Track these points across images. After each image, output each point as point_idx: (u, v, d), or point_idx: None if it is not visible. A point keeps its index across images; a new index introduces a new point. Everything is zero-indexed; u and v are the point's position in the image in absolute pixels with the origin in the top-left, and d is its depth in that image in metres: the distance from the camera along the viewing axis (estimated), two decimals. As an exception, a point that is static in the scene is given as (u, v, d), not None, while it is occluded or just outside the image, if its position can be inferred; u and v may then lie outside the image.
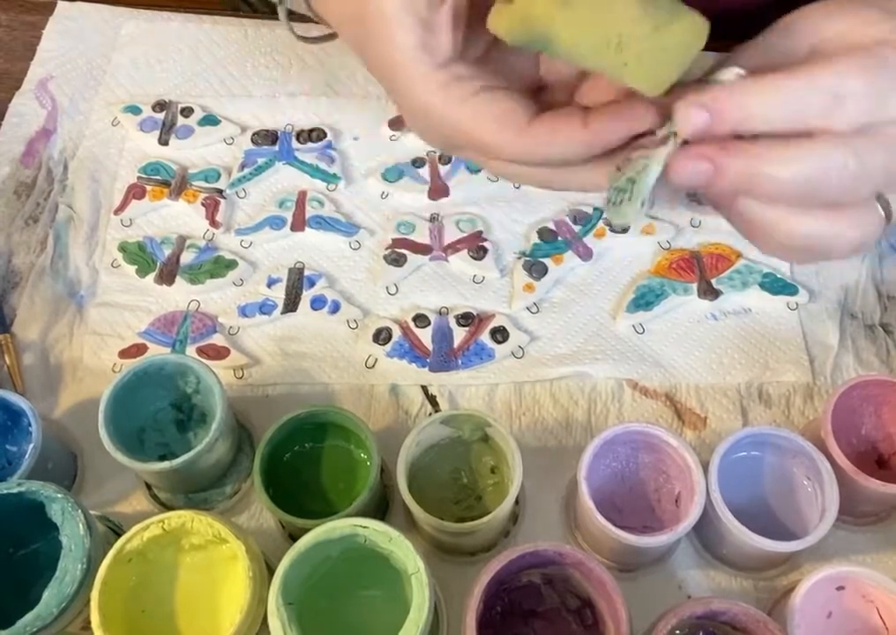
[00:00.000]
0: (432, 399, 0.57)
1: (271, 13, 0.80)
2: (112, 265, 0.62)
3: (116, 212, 0.64)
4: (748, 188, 0.37)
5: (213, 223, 0.63)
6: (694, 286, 0.60)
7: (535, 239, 0.62)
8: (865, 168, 0.37)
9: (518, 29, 0.38)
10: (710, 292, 0.60)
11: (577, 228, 0.63)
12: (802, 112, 0.36)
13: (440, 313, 0.60)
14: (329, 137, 0.67)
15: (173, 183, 0.65)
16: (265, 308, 0.60)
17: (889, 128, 0.37)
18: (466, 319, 0.59)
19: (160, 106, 0.68)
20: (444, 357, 0.57)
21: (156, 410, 0.53)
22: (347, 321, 0.59)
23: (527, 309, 0.60)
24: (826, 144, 0.36)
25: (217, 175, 0.65)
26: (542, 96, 0.44)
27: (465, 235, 0.63)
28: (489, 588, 0.43)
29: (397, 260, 0.61)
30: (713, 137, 0.37)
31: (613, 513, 0.47)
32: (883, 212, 0.39)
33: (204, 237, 0.63)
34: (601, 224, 0.63)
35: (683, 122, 0.37)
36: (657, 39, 0.37)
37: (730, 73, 0.38)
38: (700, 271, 0.61)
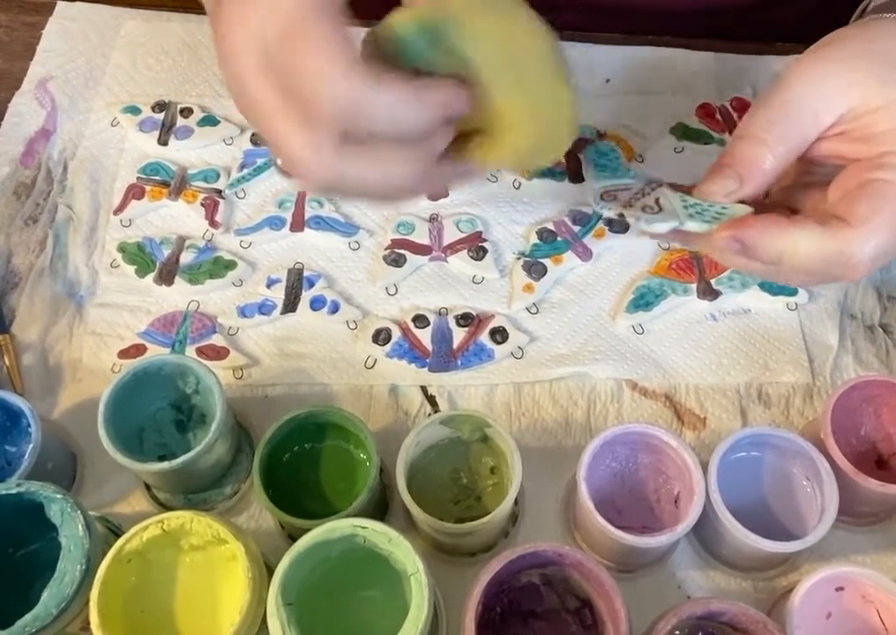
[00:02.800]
0: (431, 400, 0.57)
1: None
2: (111, 266, 0.62)
3: (116, 212, 0.64)
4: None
5: (213, 223, 0.63)
6: (694, 286, 0.60)
7: (535, 239, 0.62)
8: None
9: (421, 17, 0.39)
10: (709, 292, 0.60)
11: (576, 229, 0.63)
12: (828, 265, 0.42)
13: (440, 313, 0.60)
14: (328, 137, 0.67)
15: (172, 183, 0.65)
16: (264, 308, 0.60)
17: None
18: (465, 320, 0.59)
19: (160, 106, 0.68)
20: (444, 358, 0.57)
21: (156, 410, 0.53)
22: (347, 321, 0.59)
23: (527, 309, 0.60)
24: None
25: (216, 175, 0.65)
26: None
27: (464, 235, 0.63)
28: (489, 589, 0.43)
29: (396, 260, 0.61)
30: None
31: (612, 514, 0.47)
32: None
33: (203, 237, 0.63)
34: (600, 224, 0.63)
35: (721, 252, 0.44)
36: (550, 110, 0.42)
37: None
38: (700, 271, 0.61)
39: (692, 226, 0.43)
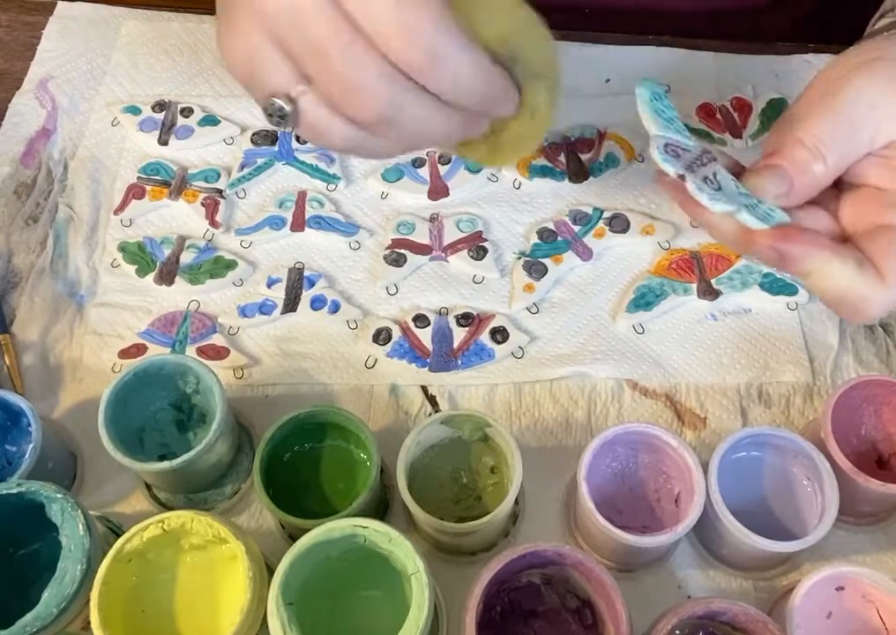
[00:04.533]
0: (432, 400, 0.57)
1: None
2: (112, 265, 0.62)
3: (116, 212, 0.64)
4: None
5: (213, 223, 0.63)
6: (694, 286, 0.60)
7: (535, 239, 0.62)
8: None
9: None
10: (710, 292, 0.60)
11: (577, 228, 0.63)
12: (843, 305, 0.42)
13: (440, 313, 0.60)
14: (329, 137, 0.67)
15: (173, 183, 0.65)
16: (264, 308, 0.60)
17: None
18: (465, 319, 0.59)
19: (160, 106, 0.68)
20: (444, 357, 0.57)
21: (156, 410, 0.53)
22: (347, 321, 0.59)
23: (527, 309, 0.60)
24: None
25: (217, 175, 0.65)
26: None
27: (465, 235, 0.63)
28: (489, 588, 0.43)
29: (397, 260, 0.61)
30: None
31: (613, 513, 0.48)
32: None
33: (203, 237, 0.63)
34: (601, 224, 0.63)
35: (760, 252, 0.42)
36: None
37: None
38: (700, 271, 0.61)
39: (745, 218, 0.41)
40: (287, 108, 0.40)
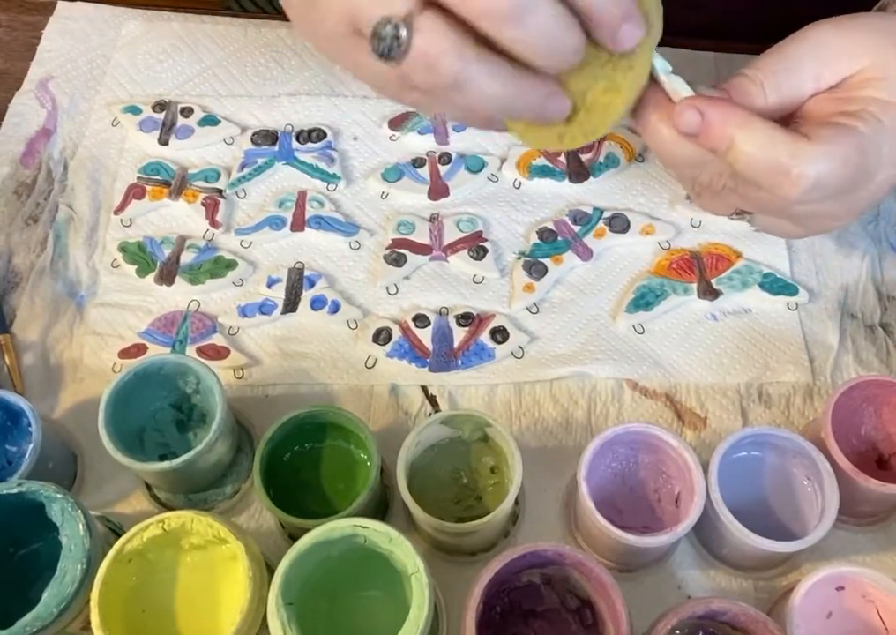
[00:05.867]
0: (432, 400, 0.57)
1: (262, 12, 0.80)
2: (112, 265, 0.62)
3: (116, 212, 0.64)
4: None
5: (213, 223, 0.63)
6: (694, 286, 0.60)
7: (535, 239, 0.62)
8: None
9: None
10: (710, 292, 0.60)
11: (577, 228, 0.63)
12: (770, 170, 0.41)
13: (440, 313, 0.60)
14: (329, 137, 0.67)
15: (173, 183, 0.65)
16: (264, 308, 0.60)
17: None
18: (466, 319, 0.59)
19: (160, 106, 0.68)
20: (444, 357, 0.57)
21: (156, 410, 0.53)
22: (347, 321, 0.59)
23: (527, 309, 0.60)
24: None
25: (217, 175, 0.65)
26: None
27: (465, 235, 0.63)
28: (489, 588, 0.43)
29: (397, 260, 0.61)
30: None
31: (613, 513, 0.47)
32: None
33: (204, 237, 0.63)
34: (601, 224, 0.63)
35: (678, 114, 0.41)
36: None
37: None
38: (700, 271, 0.61)
39: (678, 82, 0.41)
40: (402, 32, 0.37)
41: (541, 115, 0.41)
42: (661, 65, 0.42)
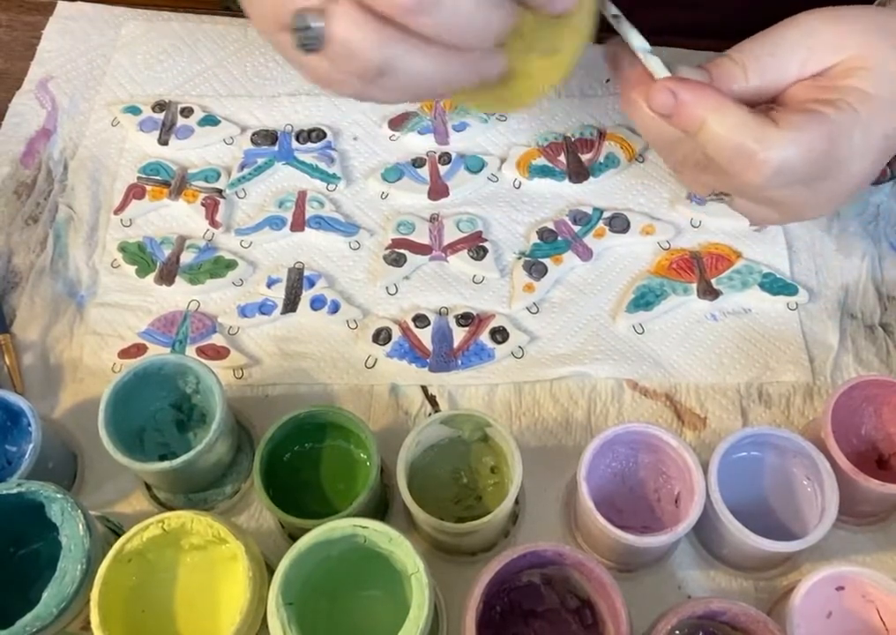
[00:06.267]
0: (432, 400, 0.57)
1: None
2: (112, 265, 0.62)
3: (116, 212, 0.64)
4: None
5: (213, 223, 0.63)
6: (694, 286, 0.60)
7: (535, 239, 0.62)
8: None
9: None
10: (710, 292, 0.60)
11: (577, 228, 0.63)
12: (737, 154, 0.41)
13: (440, 313, 0.60)
14: (329, 137, 0.67)
15: (172, 183, 0.65)
16: (264, 308, 0.60)
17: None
18: (465, 319, 0.59)
19: (160, 106, 0.68)
20: (444, 357, 0.57)
21: (156, 410, 0.53)
22: (347, 321, 0.59)
23: (527, 309, 0.60)
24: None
25: (217, 175, 0.65)
26: None
27: (465, 235, 0.63)
28: (489, 588, 0.43)
29: (397, 260, 0.61)
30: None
31: (613, 513, 0.47)
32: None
33: (203, 237, 0.63)
34: (601, 224, 0.63)
35: (654, 97, 0.42)
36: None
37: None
38: (700, 271, 0.61)
39: (654, 62, 0.43)
40: (317, 23, 0.37)
41: (476, 81, 0.41)
42: (640, 44, 0.43)
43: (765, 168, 0.41)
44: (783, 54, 0.43)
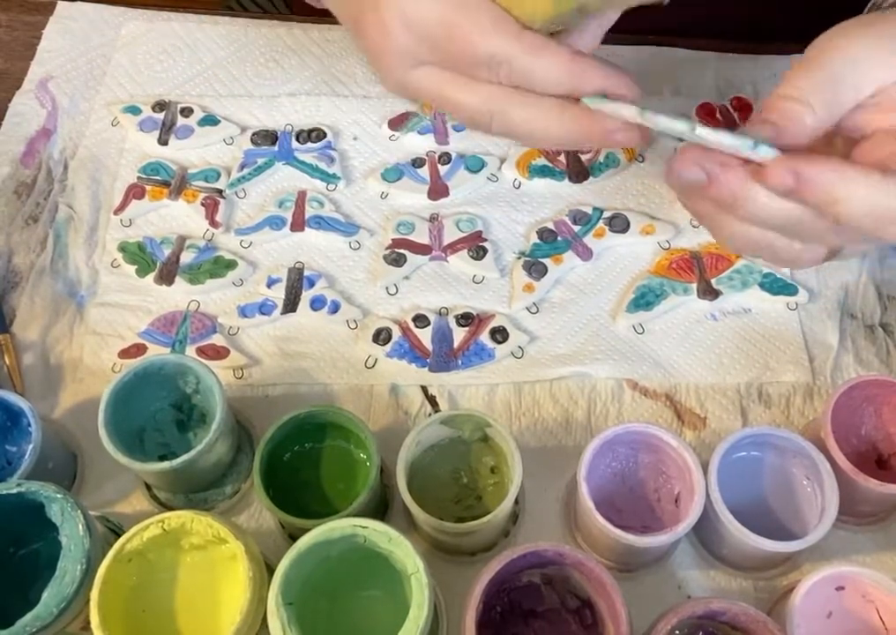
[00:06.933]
0: (432, 400, 0.57)
1: (262, 12, 0.80)
2: (112, 265, 0.62)
3: (116, 212, 0.64)
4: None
5: (213, 223, 0.63)
6: (694, 286, 0.60)
7: (535, 239, 0.62)
8: (839, 232, 0.41)
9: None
10: (710, 292, 0.60)
11: (577, 228, 0.63)
12: (882, 217, 0.39)
13: (440, 313, 0.60)
14: (329, 137, 0.67)
15: (172, 183, 0.65)
16: (264, 308, 0.60)
17: None
18: (465, 319, 0.59)
19: (160, 106, 0.68)
20: (444, 357, 0.57)
21: (156, 410, 0.53)
22: (347, 321, 0.59)
23: (527, 309, 0.60)
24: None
25: (217, 175, 0.65)
26: None
27: (464, 235, 0.63)
28: (489, 588, 0.43)
29: (397, 260, 0.61)
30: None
31: (613, 513, 0.47)
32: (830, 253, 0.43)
33: (203, 237, 0.63)
34: (600, 224, 0.63)
35: (772, 177, 0.39)
36: None
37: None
38: (700, 271, 0.61)
39: (705, 133, 0.39)
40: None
41: None
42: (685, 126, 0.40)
43: None
44: (835, 83, 0.42)
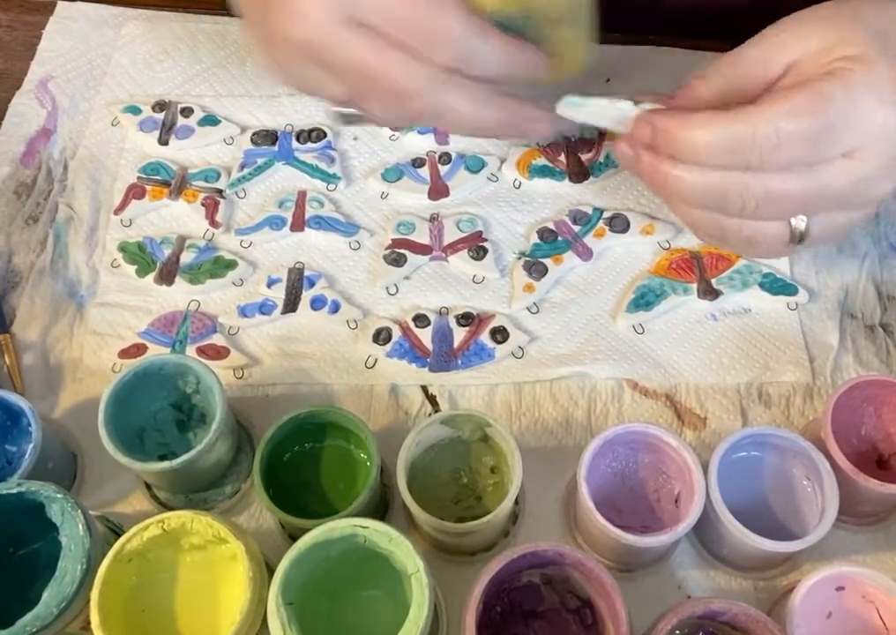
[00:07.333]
0: (432, 400, 0.57)
1: None
2: (112, 265, 0.62)
3: (116, 212, 0.64)
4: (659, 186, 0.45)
5: (213, 223, 0.63)
6: (694, 286, 0.60)
7: (535, 239, 0.62)
8: (771, 199, 0.42)
9: None
10: (710, 292, 0.60)
11: (577, 228, 0.63)
12: (739, 153, 0.41)
13: (440, 313, 0.60)
14: (329, 137, 0.67)
15: (173, 183, 0.65)
16: (264, 308, 0.60)
17: (819, 166, 0.42)
18: (466, 319, 0.59)
19: (160, 106, 0.68)
20: (444, 357, 0.57)
21: (156, 410, 0.53)
22: (347, 321, 0.59)
23: (527, 309, 0.60)
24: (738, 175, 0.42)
25: (217, 175, 0.65)
26: None
27: (465, 235, 0.63)
28: (489, 588, 0.43)
29: (397, 260, 0.61)
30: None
31: (613, 513, 0.47)
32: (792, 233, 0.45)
33: (203, 237, 0.63)
34: (601, 224, 0.63)
35: (635, 129, 0.44)
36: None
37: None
38: (700, 271, 0.61)
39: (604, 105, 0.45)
40: (353, 110, 0.45)
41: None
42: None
43: (768, 144, 0.40)
44: (745, 63, 0.44)
